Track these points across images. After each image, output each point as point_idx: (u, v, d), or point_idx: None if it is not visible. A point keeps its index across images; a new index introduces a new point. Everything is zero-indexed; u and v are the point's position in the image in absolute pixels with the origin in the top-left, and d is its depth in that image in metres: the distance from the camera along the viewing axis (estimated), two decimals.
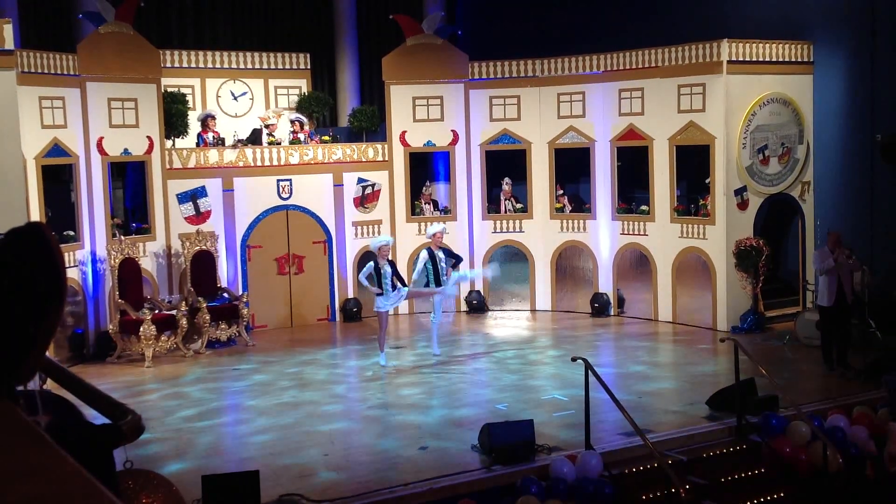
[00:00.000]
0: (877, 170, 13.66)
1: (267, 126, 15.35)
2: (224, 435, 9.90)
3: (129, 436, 3.71)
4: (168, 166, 14.25)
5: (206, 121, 15.03)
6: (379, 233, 15.68)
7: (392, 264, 12.52)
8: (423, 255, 12.67)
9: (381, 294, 12.30)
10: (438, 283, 12.49)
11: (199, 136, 14.97)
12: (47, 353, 2.83)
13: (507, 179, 16.09)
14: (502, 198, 16.13)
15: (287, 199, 15.07)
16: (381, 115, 16.17)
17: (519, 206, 16.07)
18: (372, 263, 12.44)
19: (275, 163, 15.00)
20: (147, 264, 13.91)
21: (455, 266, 12.84)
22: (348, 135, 16.32)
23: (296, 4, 19.13)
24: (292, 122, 15.66)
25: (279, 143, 15.35)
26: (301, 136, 15.47)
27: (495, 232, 16.12)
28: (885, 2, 13.30)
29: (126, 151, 13.85)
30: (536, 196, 15.94)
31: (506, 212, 16.08)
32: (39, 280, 2.15)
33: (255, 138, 15.28)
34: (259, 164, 14.88)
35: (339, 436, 9.54)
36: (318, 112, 16.38)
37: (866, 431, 9.50)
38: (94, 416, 3.73)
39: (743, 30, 14.46)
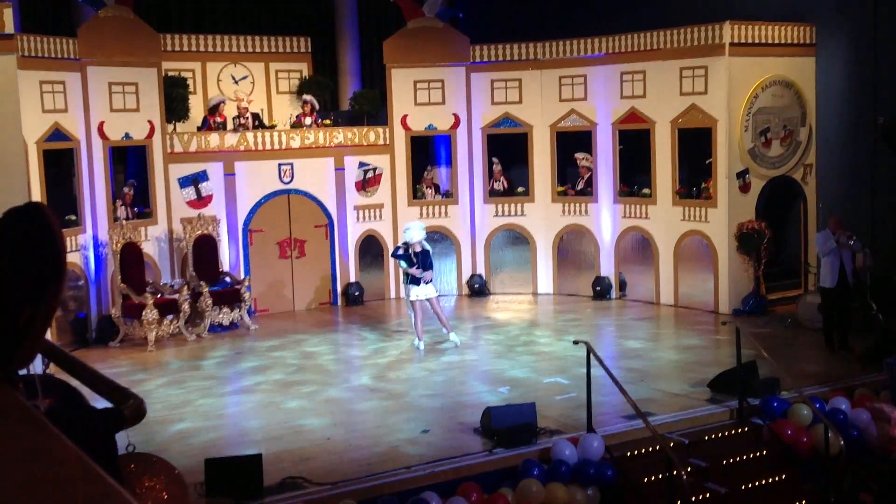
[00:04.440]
0: (878, 152, 13.62)
1: (239, 109, 15.21)
2: (226, 418, 9.93)
3: (131, 420, 3.72)
4: (169, 150, 14.24)
5: (219, 106, 14.98)
6: (381, 217, 15.68)
7: (416, 253, 12.38)
8: (401, 248, 12.62)
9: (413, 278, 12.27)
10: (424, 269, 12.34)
11: (205, 119, 14.94)
12: (49, 338, 2.83)
13: (496, 160, 16.06)
14: (493, 178, 16.11)
15: (288, 183, 15.06)
16: (382, 98, 16.13)
17: (520, 190, 16.04)
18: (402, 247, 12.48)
19: (276, 147, 14.97)
20: (149, 249, 13.92)
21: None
22: (349, 118, 16.28)
23: None
24: (304, 103, 15.61)
25: (274, 127, 15.30)
26: (308, 121, 15.41)
27: (497, 216, 16.10)
28: None
29: (127, 136, 13.83)
30: (538, 179, 15.91)
31: (499, 193, 16.05)
32: (38, 260, 2.15)
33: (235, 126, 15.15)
34: (260, 148, 14.86)
35: (341, 419, 9.57)
36: (320, 96, 16.33)
37: (868, 414, 9.53)
38: (97, 400, 3.73)
39: (745, 12, 14.39)
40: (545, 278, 16.05)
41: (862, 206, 13.77)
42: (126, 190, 13.88)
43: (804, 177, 14.57)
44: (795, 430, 9.15)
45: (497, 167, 16.08)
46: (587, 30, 15.54)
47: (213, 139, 14.59)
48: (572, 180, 15.88)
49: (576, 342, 9.28)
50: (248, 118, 15.15)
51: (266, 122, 15.69)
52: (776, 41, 14.07)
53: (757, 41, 13.92)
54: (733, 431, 9.27)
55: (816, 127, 14.48)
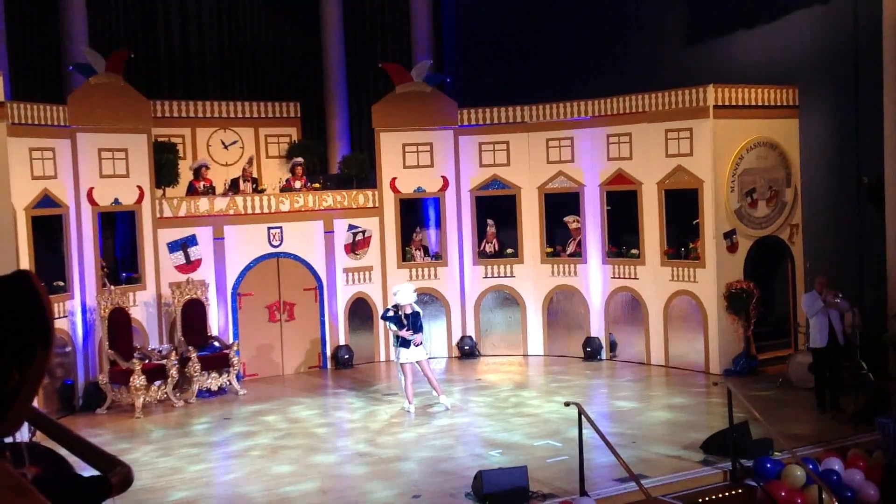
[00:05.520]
0: (864, 211, 13.74)
1: (244, 171, 15.46)
2: (215, 485, 9.80)
3: (118, 488, 3.67)
4: (158, 215, 14.26)
5: (201, 170, 15.08)
6: (370, 279, 15.68)
7: (406, 315, 12.34)
8: (391, 310, 12.59)
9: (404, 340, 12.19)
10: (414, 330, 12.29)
11: (190, 184, 15.01)
12: (35, 405, 2.81)
13: (490, 221, 16.14)
14: (486, 240, 16.16)
15: (278, 246, 15.07)
16: (371, 161, 16.24)
17: (509, 251, 16.09)
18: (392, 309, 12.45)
19: (265, 210, 15.01)
20: (137, 314, 13.85)
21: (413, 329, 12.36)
22: (339, 182, 16.37)
23: (286, 53, 19.31)
24: (294, 165, 15.70)
25: (263, 191, 15.38)
26: (297, 184, 15.49)
27: (486, 277, 16.12)
28: (868, 45, 13.47)
29: (116, 201, 13.86)
30: (527, 241, 15.97)
31: (489, 255, 16.09)
32: (26, 327, 2.14)
33: (234, 186, 15.31)
34: (250, 211, 14.89)
35: (330, 484, 9.45)
36: (309, 159, 16.44)
37: (861, 474, 9.48)
38: (83, 468, 3.69)
39: (728, 75, 14.61)
40: (535, 339, 16.02)
41: (849, 264, 13.84)
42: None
43: (791, 236, 14.66)
44: (789, 492, 9.08)
45: (491, 229, 16.15)
46: (573, 93, 15.74)
47: (203, 203, 14.63)
48: (562, 242, 15.95)
49: (567, 404, 9.24)
50: (248, 181, 15.31)
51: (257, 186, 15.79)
52: (760, 103, 14.27)
53: (741, 104, 14.11)
54: (727, 493, 9.18)
55: (802, 187, 14.62)
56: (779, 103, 14.45)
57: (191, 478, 9.88)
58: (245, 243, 14.84)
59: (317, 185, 15.80)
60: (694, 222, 14.22)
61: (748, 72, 14.80)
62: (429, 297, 15.62)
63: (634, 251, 15.00)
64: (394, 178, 15.88)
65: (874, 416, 10.33)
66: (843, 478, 9.36)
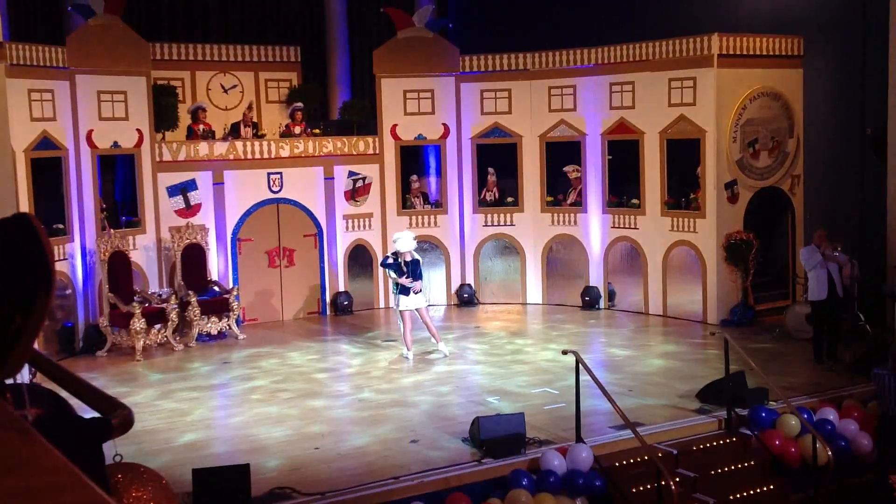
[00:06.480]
0: (867, 163, 13.68)
1: (244, 115, 15.38)
2: (214, 428, 9.89)
3: (119, 429, 3.71)
4: (158, 159, 14.21)
5: (198, 113, 15.00)
6: (370, 226, 15.67)
7: (406, 262, 12.31)
8: (390, 258, 12.59)
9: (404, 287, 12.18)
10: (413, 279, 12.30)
11: (189, 128, 14.94)
12: (36, 347, 2.83)
13: (491, 170, 16.09)
14: (486, 188, 16.13)
15: (277, 192, 15.04)
16: (371, 108, 16.13)
17: (509, 199, 16.06)
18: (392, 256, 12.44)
19: (265, 156, 14.95)
20: (137, 257, 13.87)
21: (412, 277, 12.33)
22: (339, 128, 16.28)
23: None
24: (294, 110, 15.60)
25: (264, 136, 15.31)
26: (297, 130, 15.42)
27: (486, 225, 16.11)
28: None
29: (116, 144, 13.80)
30: (527, 189, 15.94)
31: (489, 203, 16.07)
32: (27, 271, 2.14)
33: (234, 131, 15.25)
34: (249, 157, 14.84)
35: (329, 429, 9.54)
36: (309, 105, 16.33)
37: (855, 425, 9.57)
38: (84, 410, 3.72)
39: (733, 24, 14.46)
40: (534, 288, 16.06)
41: (850, 216, 13.82)
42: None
43: (792, 187, 14.63)
44: (783, 441, 9.18)
45: (492, 177, 16.10)
46: (577, 41, 15.59)
47: (203, 148, 14.57)
48: (563, 191, 15.91)
49: (565, 352, 9.29)
50: (248, 126, 15.23)
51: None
52: (764, 53, 14.14)
53: (745, 53, 13.99)
54: (722, 442, 9.27)
55: (804, 138, 14.55)
56: (783, 53, 14.32)
57: (193, 421, 9.97)
58: (245, 188, 14.81)
59: (317, 130, 15.72)
60: (696, 171, 14.16)
61: (753, 20, 14.64)
62: (428, 245, 15.63)
63: (635, 201, 14.98)
64: (394, 125, 15.79)
65: (870, 367, 10.41)
66: (837, 428, 9.45)
